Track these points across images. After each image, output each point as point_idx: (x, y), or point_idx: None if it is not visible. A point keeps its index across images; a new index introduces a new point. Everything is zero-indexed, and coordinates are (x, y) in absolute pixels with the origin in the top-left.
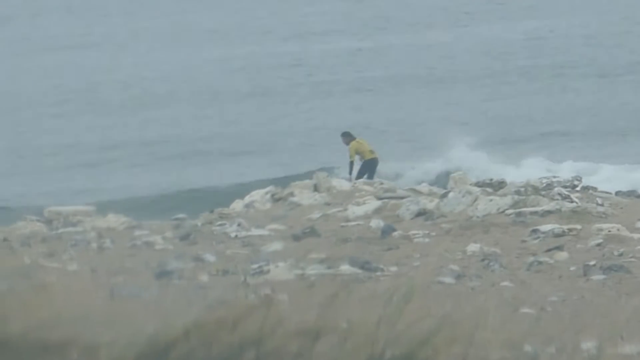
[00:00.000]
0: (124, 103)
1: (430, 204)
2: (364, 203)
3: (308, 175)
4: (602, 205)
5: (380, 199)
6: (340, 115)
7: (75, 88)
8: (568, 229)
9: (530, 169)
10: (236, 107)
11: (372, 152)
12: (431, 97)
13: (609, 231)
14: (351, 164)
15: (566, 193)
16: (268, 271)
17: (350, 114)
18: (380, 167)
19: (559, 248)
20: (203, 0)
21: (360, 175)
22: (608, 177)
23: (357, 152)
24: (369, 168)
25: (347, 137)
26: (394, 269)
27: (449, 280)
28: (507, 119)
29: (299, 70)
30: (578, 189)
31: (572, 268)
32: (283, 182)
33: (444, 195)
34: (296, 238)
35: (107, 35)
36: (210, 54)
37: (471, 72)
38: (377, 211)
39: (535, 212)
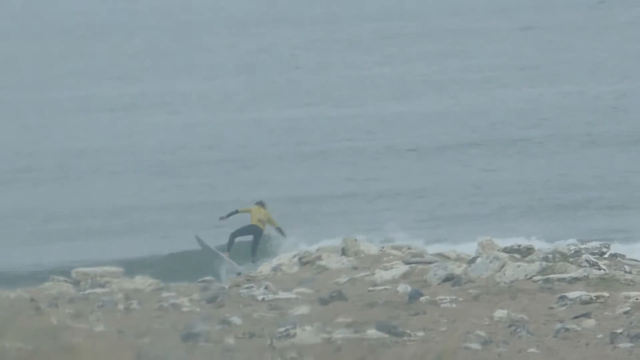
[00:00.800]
0: (159, 165)
1: (458, 269)
2: (391, 267)
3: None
4: (630, 272)
5: (407, 263)
6: (379, 179)
7: (112, 149)
8: (596, 296)
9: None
10: (271, 170)
11: (259, 220)
12: (462, 162)
13: (637, 299)
14: (235, 212)
15: (594, 260)
16: (295, 335)
17: (387, 177)
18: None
19: (586, 315)
20: (239, 64)
21: (236, 234)
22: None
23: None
24: (246, 231)
25: (259, 204)
26: (420, 334)
27: (475, 346)
28: (537, 186)
29: (332, 133)
30: (606, 256)
31: (599, 335)
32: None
33: (472, 261)
34: (323, 302)
35: (146, 96)
36: (247, 115)
37: (503, 138)
38: (404, 276)
39: (563, 279)
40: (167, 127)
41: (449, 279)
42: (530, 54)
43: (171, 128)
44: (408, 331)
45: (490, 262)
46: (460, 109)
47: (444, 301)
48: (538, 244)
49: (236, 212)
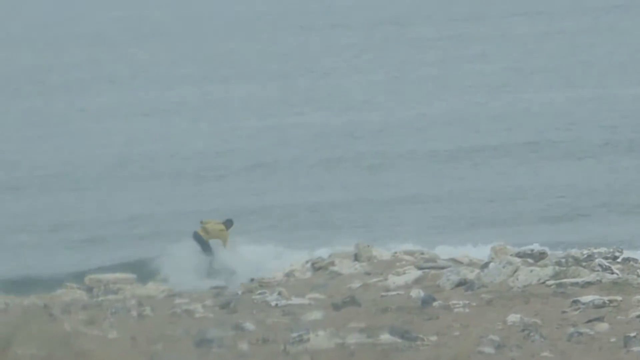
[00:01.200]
0: (176, 172)
1: (470, 274)
2: (404, 273)
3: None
4: None
5: (420, 268)
6: (393, 183)
7: (130, 156)
8: (609, 300)
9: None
10: (288, 176)
11: (203, 229)
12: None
13: None
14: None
15: (607, 264)
16: (308, 340)
17: (402, 181)
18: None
19: (599, 319)
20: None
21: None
22: None
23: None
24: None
25: (228, 223)
26: (434, 338)
27: (489, 350)
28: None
29: (348, 138)
30: (619, 260)
31: (612, 339)
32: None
33: (485, 266)
34: (336, 307)
35: (164, 103)
36: (265, 121)
37: (520, 142)
38: (417, 281)
39: (576, 283)
40: (184, 134)
41: (462, 283)
42: (546, 58)
43: (188, 135)
44: (421, 336)
45: (503, 267)
46: (477, 113)
47: (457, 306)
48: (551, 249)
49: (201, 222)
